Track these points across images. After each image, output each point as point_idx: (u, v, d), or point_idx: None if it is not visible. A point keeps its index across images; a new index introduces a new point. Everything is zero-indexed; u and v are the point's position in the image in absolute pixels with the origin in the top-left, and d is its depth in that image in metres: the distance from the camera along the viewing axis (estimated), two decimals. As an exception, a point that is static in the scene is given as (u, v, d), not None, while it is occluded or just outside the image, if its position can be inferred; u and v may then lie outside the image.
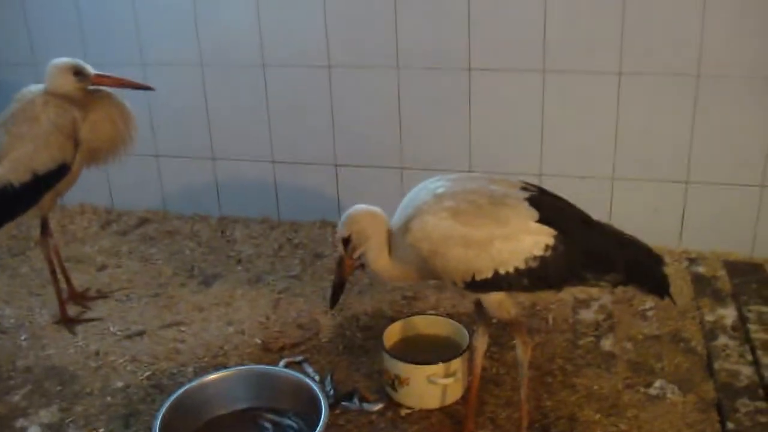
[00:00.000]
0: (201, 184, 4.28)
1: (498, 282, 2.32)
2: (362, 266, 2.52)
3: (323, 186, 4.10)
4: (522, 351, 2.46)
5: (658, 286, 2.48)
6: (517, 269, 2.29)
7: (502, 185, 2.42)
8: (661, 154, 3.63)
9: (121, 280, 3.71)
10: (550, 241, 2.29)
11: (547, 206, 2.38)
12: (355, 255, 2.46)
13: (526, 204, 2.34)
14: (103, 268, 3.83)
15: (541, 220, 2.31)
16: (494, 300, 2.40)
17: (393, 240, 2.44)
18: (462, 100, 3.76)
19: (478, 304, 2.53)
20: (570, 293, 2.42)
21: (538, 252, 2.29)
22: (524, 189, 2.42)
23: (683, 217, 3.68)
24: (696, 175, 3.62)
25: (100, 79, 3.13)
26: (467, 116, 3.78)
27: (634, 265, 2.41)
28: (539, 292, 2.45)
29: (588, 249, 2.36)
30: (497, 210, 2.32)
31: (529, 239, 2.29)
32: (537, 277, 2.32)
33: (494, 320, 2.99)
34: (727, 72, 3.43)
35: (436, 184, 2.45)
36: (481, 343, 2.60)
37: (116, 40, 4.10)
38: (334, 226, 4.07)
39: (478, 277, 2.31)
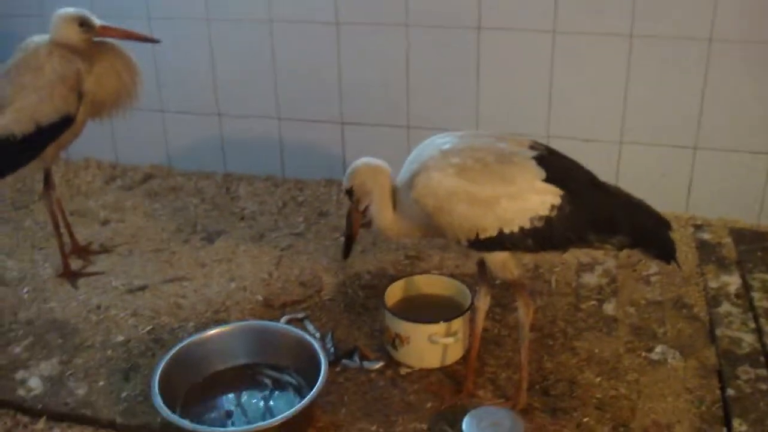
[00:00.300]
0: (206, 140, 4.26)
1: (502, 241, 2.30)
2: (369, 224, 2.52)
3: (329, 144, 4.08)
4: (524, 313, 2.45)
5: (665, 251, 2.46)
6: (522, 229, 2.28)
7: (511, 143, 2.40)
8: (669, 119, 3.59)
9: (124, 234, 3.70)
10: (557, 201, 2.27)
11: (555, 166, 2.35)
12: (360, 207, 2.50)
13: (533, 163, 2.32)
14: (106, 222, 3.83)
15: (548, 180, 2.29)
16: (498, 260, 2.39)
17: (398, 195, 2.45)
18: (471, 60, 3.73)
19: (481, 264, 2.52)
20: (574, 255, 2.40)
21: (544, 212, 2.27)
22: (533, 148, 2.39)
23: (690, 183, 3.65)
24: (704, 141, 3.58)
25: (106, 31, 3.10)
26: (475, 76, 3.75)
27: (641, 228, 2.39)
28: (543, 253, 2.42)
29: (594, 210, 2.34)
30: (504, 168, 2.30)
31: (536, 198, 2.27)
32: (542, 237, 2.30)
33: (497, 281, 3.01)
34: (739, 37, 3.38)
35: (443, 140, 2.43)
36: (483, 303, 2.59)
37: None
38: (339, 184, 4.02)
39: (482, 236, 2.30)
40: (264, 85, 4.05)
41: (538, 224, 2.28)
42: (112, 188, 4.18)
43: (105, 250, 3.54)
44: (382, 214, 2.47)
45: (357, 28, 3.82)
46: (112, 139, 4.36)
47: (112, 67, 3.10)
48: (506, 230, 2.28)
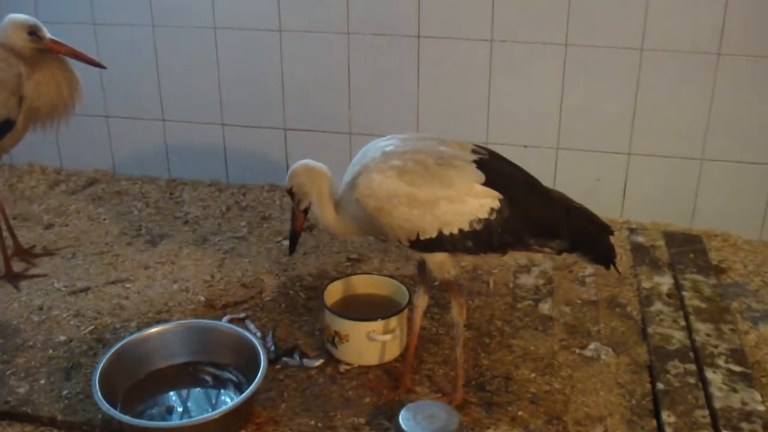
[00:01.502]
0: (151, 146, 4.28)
1: (442, 242, 2.36)
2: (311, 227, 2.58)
3: (272, 150, 4.13)
4: (457, 312, 2.52)
5: (604, 256, 2.53)
6: (461, 231, 2.34)
7: (453, 146, 2.46)
8: (604, 126, 3.69)
9: (68, 238, 3.71)
10: (496, 205, 2.33)
11: (495, 170, 2.40)
12: (301, 207, 2.57)
13: (473, 167, 2.37)
14: (50, 226, 3.83)
15: (487, 183, 2.34)
16: (437, 260, 2.44)
17: (342, 195, 2.50)
18: (411, 68, 3.80)
19: (421, 265, 2.57)
20: (514, 258, 2.46)
21: (483, 215, 2.33)
22: (475, 152, 2.45)
23: (625, 188, 3.76)
24: (638, 147, 3.69)
25: (55, 45, 3.06)
26: (415, 84, 3.82)
27: (580, 233, 2.45)
28: (484, 255, 2.46)
29: (533, 215, 2.40)
30: (443, 171, 2.35)
31: (475, 202, 2.32)
32: (481, 239, 2.36)
33: (436, 282, 3.07)
34: (669, 47, 3.50)
35: (386, 142, 2.50)
36: (422, 301, 2.66)
37: (68, -3, 4.08)
38: (282, 189, 4.10)
39: (422, 237, 2.36)
40: (208, 91, 4.09)
41: (477, 227, 2.33)
42: (56, 193, 4.18)
43: (48, 253, 3.54)
44: (323, 214, 2.53)
45: (299, 35, 3.87)
46: (57, 144, 4.36)
47: (53, 78, 3.09)
48: (446, 232, 2.34)
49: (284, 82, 3.97)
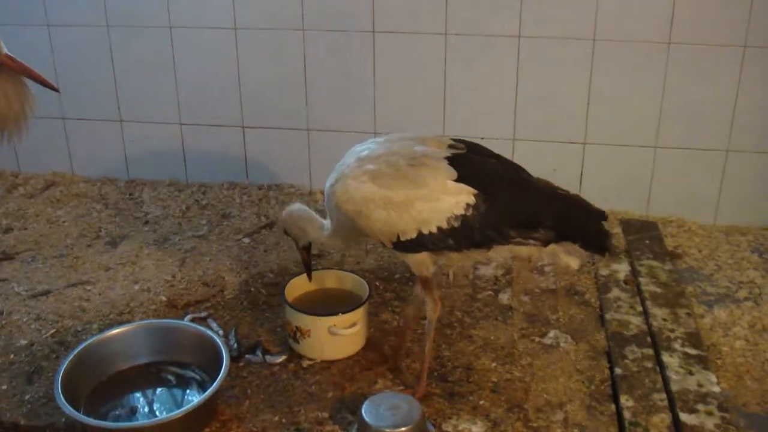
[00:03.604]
0: (109, 147, 4.27)
1: (423, 242, 2.38)
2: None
3: (231, 148, 4.13)
4: (431, 309, 2.54)
5: (596, 242, 2.49)
6: (440, 229, 2.36)
7: (430, 143, 2.48)
8: (559, 116, 3.75)
9: (27, 242, 3.69)
10: (471, 200, 2.34)
11: (468, 165, 2.41)
12: (300, 245, 2.81)
13: (444, 164, 2.39)
14: (8, 230, 3.80)
15: (460, 179, 2.36)
16: (417, 259, 2.47)
17: (326, 205, 2.58)
18: (367, 63, 3.83)
19: None
20: (499, 254, 2.46)
21: (459, 211, 2.34)
22: (452, 147, 2.48)
23: (581, 177, 3.81)
24: (593, 136, 3.75)
25: (8, 62, 3.02)
26: (372, 78, 3.85)
27: (565, 221, 2.43)
28: (468, 252, 2.46)
29: (511, 206, 2.39)
30: (416, 171, 2.37)
31: (450, 199, 2.34)
32: (461, 236, 2.37)
33: (396, 275, 3.12)
34: (621, 37, 3.56)
35: (362, 147, 2.53)
36: (415, 300, 2.72)
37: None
38: (242, 187, 4.13)
39: (403, 238, 2.38)
40: (165, 91, 4.08)
41: (455, 224, 2.35)
42: (14, 196, 4.15)
43: (7, 257, 3.53)
44: (320, 240, 2.71)
45: (255, 33, 3.88)
46: (13, 148, 4.30)
47: (3, 92, 3.05)
48: (425, 231, 2.36)
49: (241, 80, 3.98)
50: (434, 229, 2.36)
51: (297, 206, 2.76)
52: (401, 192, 2.35)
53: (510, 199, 2.40)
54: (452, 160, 2.40)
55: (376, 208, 2.37)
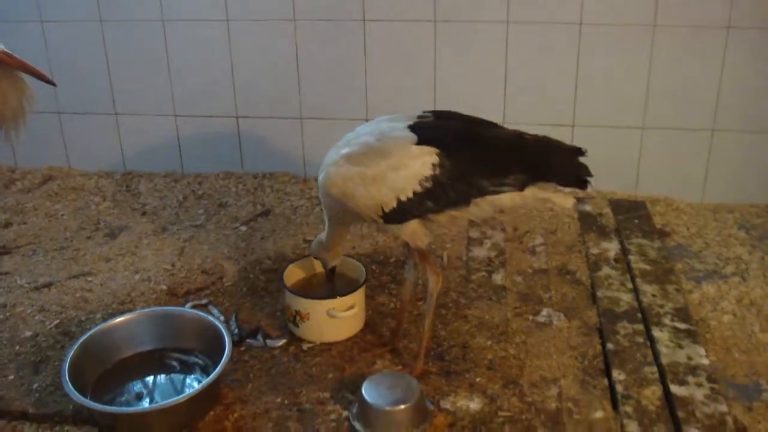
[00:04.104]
0: (104, 140, 4.32)
1: (405, 209, 2.46)
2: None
3: (225, 138, 4.19)
4: (434, 281, 2.61)
5: (574, 177, 2.50)
6: (415, 193, 2.43)
7: (400, 119, 2.57)
8: (548, 100, 3.82)
9: (27, 235, 3.74)
10: (435, 160, 2.42)
11: (427, 128, 2.50)
12: (328, 267, 2.92)
13: (406, 131, 2.48)
14: (8, 225, 3.85)
15: (421, 142, 2.44)
16: (408, 230, 2.54)
17: (322, 200, 2.68)
18: (358, 51, 3.89)
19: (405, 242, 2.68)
20: (483, 208, 2.48)
21: (427, 172, 2.41)
22: (420, 117, 2.57)
23: (571, 158, 3.86)
24: (581, 119, 3.81)
25: (5, 58, 3.03)
26: (363, 66, 3.91)
27: (535, 162, 2.47)
28: (451, 212, 2.51)
29: (474, 158, 2.45)
30: (382, 144, 2.47)
31: (416, 162, 2.42)
32: (437, 196, 2.44)
33: (392, 259, 3.18)
34: (607, 20, 3.63)
35: (345, 138, 2.61)
36: (411, 274, 2.78)
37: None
38: (237, 176, 4.19)
39: (386, 209, 2.46)
40: (159, 84, 4.14)
41: (428, 185, 2.42)
42: (12, 191, 4.20)
43: (6, 251, 3.57)
44: (328, 247, 2.83)
45: (246, 24, 3.93)
46: (10, 143, 4.37)
47: (1, 89, 3.07)
48: (403, 198, 2.43)
49: (234, 70, 4.04)
50: (410, 194, 2.43)
51: (316, 239, 2.88)
52: (374, 166, 2.45)
53: (471, 150, 2.46)
54: (413, 127, 2.49)
55: (356, 186, 2.46)
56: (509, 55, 3.76)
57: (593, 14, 3.62)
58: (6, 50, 3.05)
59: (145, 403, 2.58)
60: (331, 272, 2.93)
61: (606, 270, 3.25)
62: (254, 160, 4.21)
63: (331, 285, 2.94)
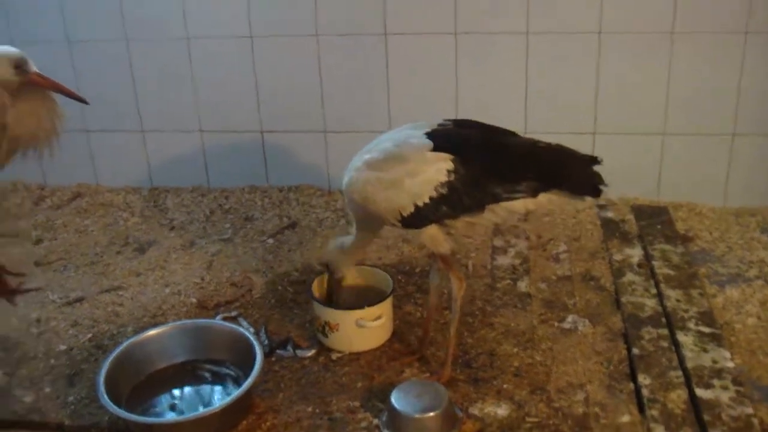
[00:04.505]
0: (132, 156, 4.38)
1: (422, 214, 2.51)
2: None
3: (251, 152, 4.24)
4: (457, 287, 2.66)
5: (587, 185, 2.54)
6: (431, 198, 2.48)
7: (420, 127, 2.62)
8: (569, 109, 3.85)
9: (57, 251, 3.80)
10: (450, 166, 2.46)
11: (444, 135, 2.55)
12: (336, 277, 2.93)
13: (423, 138, 2.53)
14: (39, 241, 3.91)
15: (436, 149, 2.49)
16: (428, 235, 2.58)
17: (347, 206, 2.78)
18: (380, 65, 3.93)
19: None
20: (498, 213, 2.53)
21: (443, 178, 2.46)
22: (440, 125, 2.62)
23: (592, 166, 3.89)
24: (602, 126, 3.84)
25: (39, 79, 3.05)
26: (385, 80, 3.96)
27: (551, 168, 2.51)
28: (466, 218, 2.55)
29: (488, 165, 2.49)
30: (400, 150, 2.54)
31: (431, 168, 2.47)
32: (452, 202, 2.48)
33: (417, 269, 3.23)
34: (626, 29, 3.67)
35: (368, 146, 2.67)
36: (436, 282, 2.83)
37: (41, 16, 4.15)
38: (262, 190, 4.24)
39: (404, 214, 2.51)
40: (184, 100, 4.19)
41: (443, 191, 2.47)
42: (42, 208, 4.26)
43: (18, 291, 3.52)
44: (349, 253, 2.87)
45: (270, 40, 3.99)
46: (39, 161, 4.43)
47: (34, 109, 3.08)
48: (419, 203, 2.48)
49: (258, 85, 4.09)
50: (427, 200, 2.48)
51: (333, 240, 2.93)
52: (392, 171, 2.51)
53: (485, 157, 2.50)
54: (430, 134, 2.55)
55: (376, 191, 2.53)
56: (529, 65, 3.80)
57: (612, 23, 3.65)
58: (38, 72, 3.09)
59: (180, 414, 2.62)
60: (338, 283, 2.95)
61: (630, 276, 3.27)
62: (279, 173, 4.26)
63: (336, 294, 2.97)
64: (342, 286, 2.97)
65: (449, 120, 2.67)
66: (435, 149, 2.49)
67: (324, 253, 2.93)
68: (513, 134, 2.63)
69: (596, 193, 2.54)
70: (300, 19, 3.91)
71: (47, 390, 2.81)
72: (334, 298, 2.96)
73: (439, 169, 2.47)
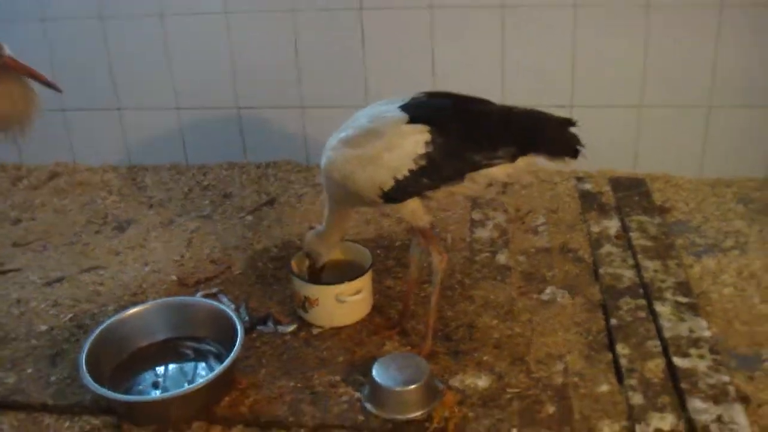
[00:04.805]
0: (109, 134, 4.37)
1: (403, 187, 2.51)
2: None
3: (228, 129, 4.24)
4: (437, 261, 2.67)
5: (565, 147, 2.55)
6: (411, 171, 2.48)
7: (393, 102, 2.61)
8: (545, 82, 3.86)
9: (36, 231, 3.79)
10: (427, 137, 2.47)
11: (417, 106, 2.55)
12: (318, 265, 2.94)
13: (397, 111, 2.53)
14: (17, 222, 3.91)
15: (412, 121, 2.49)
16: (408, 209, 2.59)
17: (323, 184, 2.75)
18: (356, 39, 3.93)
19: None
20: (478, 182, 2.54)
21: (421, 150, 2.47)
22: (413, 98, 2.61)
23: (570, 138, 3.91)
24: (580, 99, 3.86)
25: (12, 63, 3.00)
26: (361, 55, 3.96)
27: (527, 132, 2.52)
28: (447, 188, 2.56)
29: (464, 133, 2.50)
30: (375, 125, 2.53)
31: (409, 141, 2.47)
32: (432, 172, 2.49)
33: (397, 243, 3.24)
34: (602, 1, 3.67)
35: (344, 124, 2.66)
36: (416, 255, 2.84)
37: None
38: (241, 167, 4.24)
39: (385, 189, 2.51)
40: (160, 77, 4.18)
41: (422, 162, 2.47)
42: (20, 189, 4.25)
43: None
44: (328, 236, 2.87)
45: (245, 16, 3.98)
46: (15, 141, 4.41)
47: (8, 92, 3.03)
48: (399, 176, 2.48)
49: (234, 62, 4.08)
50: (406, 173, 2.48)
51: (311, 231, 2.94)
52: (369, 147, 2.51)
53: (462, 126, 2.51)
54: (404, 107, 2.54)
55: (355, 168, 2.52)
56: (505, 39, 3.80)
57: (589, -5, 3.68)
58: (12, 55, 3.07)
59: (163, 391, 2.64)
60: (319, 271, 2.95)
61: (607, 247, 3.30)
62: (257, 149, 4.26)
63: (317, 279, 2.96)
64: (322, 271, 2.97)
65: (423, 92, 2.67)
66: (411, 121, 2.49)
67: (306, 244, 2.92)
68: (488, 102, 2.63)
69: (574, 154, 2.56)
70: (275, -6, 3.91)
71: (29, 371, 2.81)
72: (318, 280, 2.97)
73: (416, 141, 2.47)
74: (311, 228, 3.09)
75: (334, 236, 2.87)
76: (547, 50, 3.80)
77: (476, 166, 2.51)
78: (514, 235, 3.46)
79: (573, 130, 2.56)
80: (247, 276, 3.28)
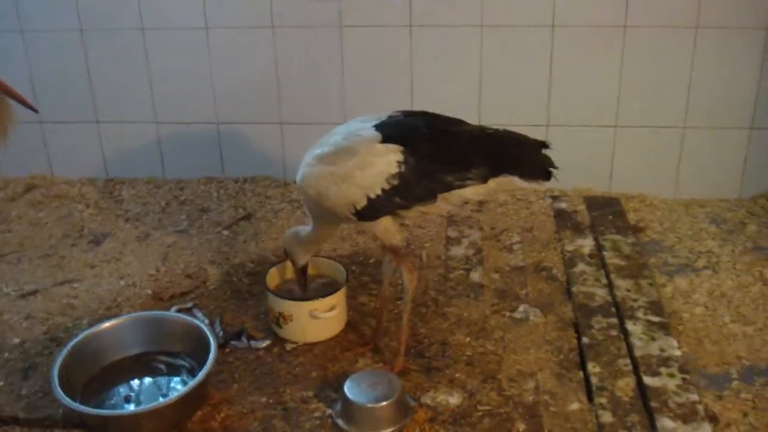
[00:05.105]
0: (87, 147, 4.35)
1: (375, 206, 2.52)
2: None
3: (206, 144, 4.24)
4: (408, 279, 2.68)
5: (537, 169, 2.57)
6: (383, 190, 2.50)
7: (369, 120, 2.63)
8: (523, 101, 3.89)
9: (11, 243, 3.78)
10: (399, 157, 2.49)
11: (391, 126, 2.57)
12: (299, 266, 2.93)
13: (371, 130, 2.55)
14: (-8, 233, 3.91)
15: (385, 140, 2.51)
16: (381, 227, 2.61)
17: (303, 203, 2.78)
18: (335, 57, 3.95)
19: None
20: (450, 201, 2.56)
21: (393, 170, 2.48)
22: (389, 117, 2.63)
23: (546, 157, 3.95)
24: (556, 118, 3.90)
25: None
26: (340, 72, 3.98)
27: (499, 155, 2.54)
28: (420, 208, 2.58)
29: (437, 154, 2.51)
30: (349, 143, 2.54)
31: (381, 160, 2.49)
32: (404, 192, 2.51)
33: (372, 260, 3.25)
34: (578, 22, 3.73)
35: (320, 140, 2.67)
36: (388, 273, 2.85)
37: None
38: (218, 181, 4.25)
39: (358, 207, 2.53)
40: (139, 91, 4.18)
41: (395, 182, 2.49)
42: (-5, 201, 4.25)
43: None
44: (308, 242, 2.85)
45: (225, 32, 3.99)
46: (-8, 153, 4.41)
47: None
48: (372, 195, 2.50)
49: (213, 77, 4.09)
50: (379, 191, 2.50)
51: (291, 229, 2.92)
52: (342, 165, 2.52)
53: (433, 147, 2.52)
54: (378, 126, 2.56)
55: (329, 185, 2.53)
56: (483, 58, 3.83)
57: (565, 16, 3.70)
58: None
59: (134, 406, 2.63)
60: (302, 272, 2.95)
61: (581, 266, 3.33)
62: (235, 165, 4.26)
63: (303, 284, 2.98)
64: (307, 272, 2.97)
65: (399, 112, 2.69)
66: (384, 141, 2.51)
67: (285, 241, 2.92)
68: (461, 122, 2.65)
69: (547, 176, 2.57)
70: (256, 10, 3.92)
71: (1, 383, 2.80)
72: (305, 286, 2.99)
73: (389, 161, 2.48)
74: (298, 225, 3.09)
75: (314, 245, 2.88)
76: (525, 70, 3.84)
77: (448, 187, 2.53)
78: (488, 252, 3.48)
79: (547, 152, 2.58)
80: (222, 291, 3.29)
